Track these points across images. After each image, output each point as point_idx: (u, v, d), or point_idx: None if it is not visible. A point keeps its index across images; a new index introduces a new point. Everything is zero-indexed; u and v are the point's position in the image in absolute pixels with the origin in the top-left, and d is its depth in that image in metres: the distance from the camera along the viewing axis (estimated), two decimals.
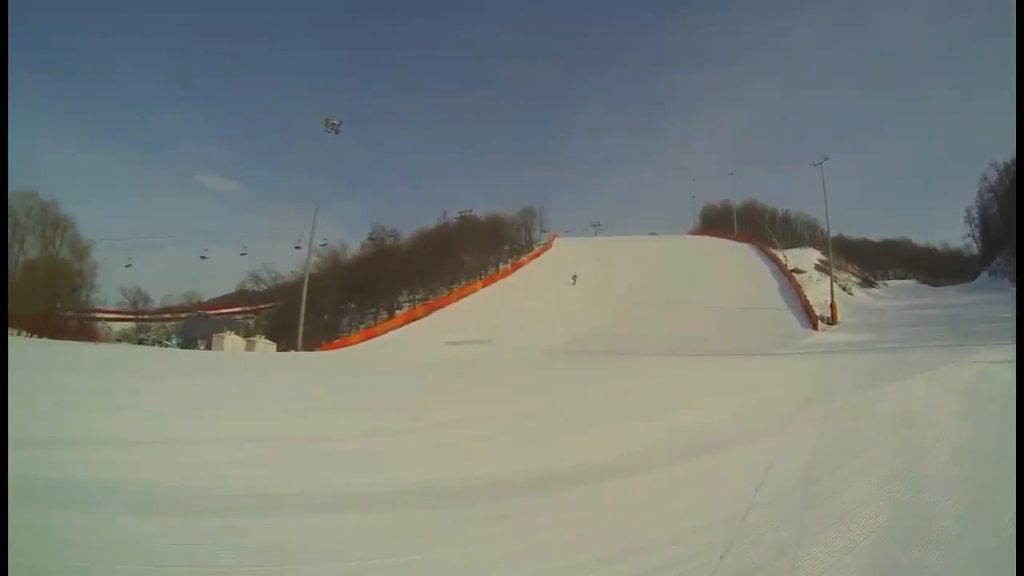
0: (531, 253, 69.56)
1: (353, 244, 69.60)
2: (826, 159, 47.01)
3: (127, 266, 53.99)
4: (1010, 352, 14.64)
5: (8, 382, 5.02)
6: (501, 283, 57.67)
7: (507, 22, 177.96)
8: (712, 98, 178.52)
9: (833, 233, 52.62)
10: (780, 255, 55.22)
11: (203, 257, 59.80)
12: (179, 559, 4.25)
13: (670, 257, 60.25)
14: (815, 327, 34.27)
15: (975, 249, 76.66)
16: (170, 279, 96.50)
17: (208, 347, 36.16)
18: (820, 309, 37.74)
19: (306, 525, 5.30)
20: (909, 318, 36.69)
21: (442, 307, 50.31)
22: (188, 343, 44.82)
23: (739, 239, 70.15)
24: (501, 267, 64.45)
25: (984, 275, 62.03)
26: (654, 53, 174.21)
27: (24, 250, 45.11)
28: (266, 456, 7.61)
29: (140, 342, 48.06)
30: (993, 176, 67.49)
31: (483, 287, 56.15)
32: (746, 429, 10.19)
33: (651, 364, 23.21)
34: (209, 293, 71.18)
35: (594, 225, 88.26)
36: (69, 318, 46.82)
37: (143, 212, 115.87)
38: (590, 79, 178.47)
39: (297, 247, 49.29)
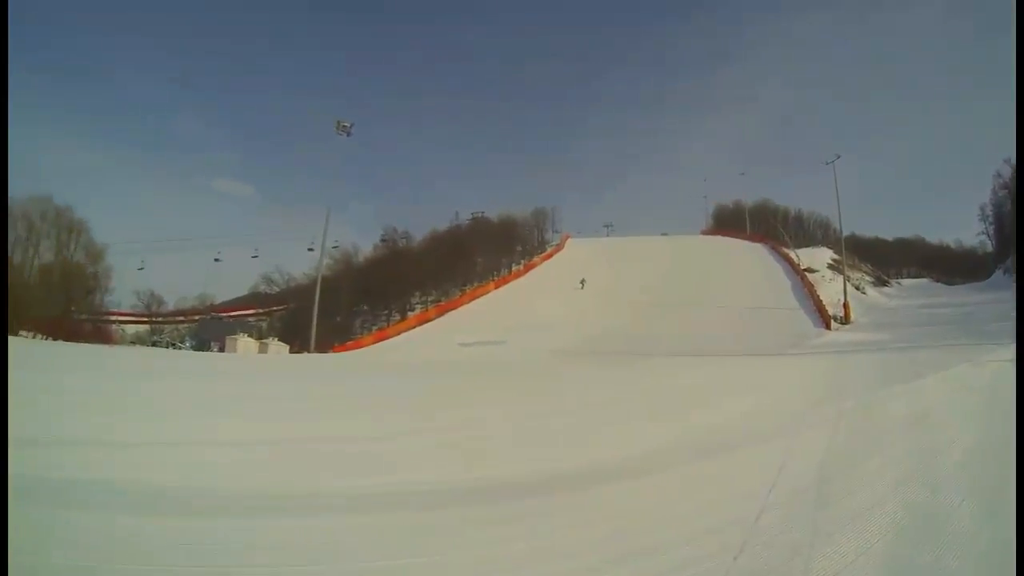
0: (543, 254, 69.48)
1: (365, 246, 69.76)
2: (838, 157, 46.75)
3: (140, 269, 54.59)
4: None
5: (8, 382, 5.10)
6: (513, 284, 57.66)
7: (518, 23, 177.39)
8: (723, 98, 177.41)
9: (846, 232, 52.28)
10: (792, 254, 54.88)
11: (217, 260, 60.28)
12: (184, 559, 4.31)
13: (682, 257, 60.02)
14: (828, 327, 34.01)
15: (989, 247, 75.89)
16: (183, 282, 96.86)
17: (221, 349, 36.31)
18: (833, 308, 37.45)
19: (313, 526, 5.36)
20: (923, 317, 36.42)
21: (455, 309, 50.33)
22: (201, 345, 45.00)
23: (751, 239, 69.72)
24: (513, 268, 64.40)
25: (999, 273, 61.35)
26: (665, 53, 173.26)
27: (39, 254, 45.47)
28: (273, 458, 7.68)
29: (154, 344, 48.32)
30: (1007, 173, 66.60)
31: (495, 288, 56.12)
32: (759, 429, 10.17)
33: (664, 364, 23.13)
34: (222, 295, 71.47)
35: (606, 226, 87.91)
36: (84, 321, 47.07)
37: (156, 215, 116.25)
38: (602, 80, 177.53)
39: (310, 249, 49.69)
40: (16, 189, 46.40)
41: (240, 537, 4.89)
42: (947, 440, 8.08)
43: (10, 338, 28.71)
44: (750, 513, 5.40)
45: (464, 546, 5.02)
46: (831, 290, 43.21)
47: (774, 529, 5.04)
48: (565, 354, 29.66)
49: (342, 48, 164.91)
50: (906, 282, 69.52)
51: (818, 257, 57.21)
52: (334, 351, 39.34)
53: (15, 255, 43.38)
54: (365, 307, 57.36)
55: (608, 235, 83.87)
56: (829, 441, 8.41)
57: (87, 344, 32.43)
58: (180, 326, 59.69)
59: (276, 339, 40.29)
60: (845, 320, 36.31)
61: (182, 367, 19.43)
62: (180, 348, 44.77)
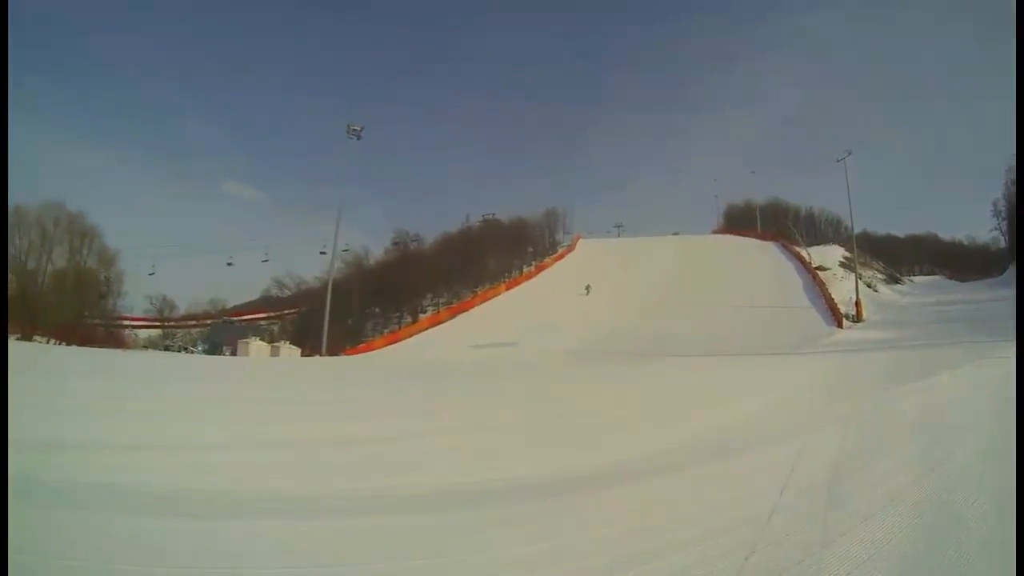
0: (555, 255, 69.38)
1: (376, 249, 69.87)
2: (849, 154, 46.44)
3: (151, 274, 55.04)
4: None
5: (8, 383, 5.20)
6: (525, 286, 57.59)
7: (529, 24, 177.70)
8: (732, 97, 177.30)
9: (857, 229, 52.13)
10: (804, 253, 54.71)
11: (229, 264, 60.64)
12: (197, 560, 4.37)
13: (694, 257, 59.84)
14: (840, 325, 33.89)
15: (1003, 242, 75.17)
16: (195, 286, 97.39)
17: (233, 353, 36.49)
18: (845, 307, 37.31)
19: (327, 527, 5.41)
20: (936, 315, 36.12)
21: (466, 310, 50.36)
22: (213, 349, 45.28)
23: (763, 237, 69.46)
24: (525, 270, 64.38)
25: (1013, 269, 60.89)
26: (675, 53, 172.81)
27: (52, 260, 45.90)
28: (287, 460, 7.75)
29: (166, 348, 48.72)
30: None
31: (507, 290, 56.10)
32: (771, 429, 10.19)
33: (676, 365, 23.14)
34: (234, 299, 71.98)
35: (617, 226, 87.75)
36: (97, 326, 47.48)
37: (167, 219, 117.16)
38: (611, 80, 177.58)
39: (323, 252, 49.98)
40: (26, 193, 47.09)
41: (261, 539, 4.97)
42: (960, 439, 8.04)
43: (25, 343, 29.16)
44: (762, 513, 5.40)
45: (476, 547, 5.06)
46: (843, 288, 43.00)
47: (786, 529, 5.05)
48: (577, 355, 29.69)
49: (352, 51, 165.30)
50: (919, 279, 69.16)
51: (830, 255, 56.95)
52: (345, 354, 39.46)
53: (28, 261, 43.82)
54: (376, 310, 57.44)
55: (619, 236, 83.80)
56: (841, 440, 8.39)
57: (101, 348, 32.83)
58: (192, 330, 60.12)
59: (288, 342, 40.50)
60: (857, 318, 36.14)
61: (195, 371, 19.55)
62: (192, 352, 45.02)
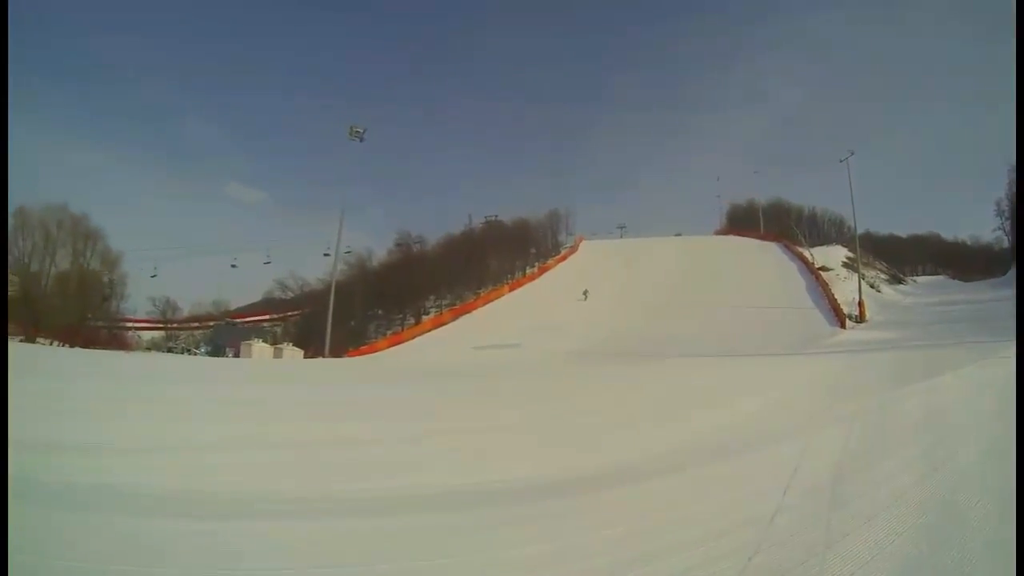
0: (557, 256, 69.27)
1: (379, 250, 69.91)
2: (851, 154, 46.26)
3: (152, 276, 55.04)
4: None
5: (8, 384, 5.20)
6: (528, 287, 57.58)
7: (529, 24, 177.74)
8: (734, 97, 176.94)
9: (860, 230, 51.99)
10: (807, 253, 54.64)
11: (233, 266, 60.67)
12: (197, 561, 4.37)
13: (696, 258, 59.72)
14: (843, 325, 33.83)
15: (1006, 242, 74.95)
16: (198, 287, 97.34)
17: (236, 355, 36.47)
18: (848, 307, 37.25)
19: (327, 528, 5.41)
20: (939, 315, 36.05)
21: (469, 312, 50.35)
22: (216, 351, 45.23)
23: (765, 238, 69.31)
24: (528, 271, 64.37)
25: (1016, 268, 60.78)
26: (675, 53, 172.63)
27: (55, 263, 46.02)
28: (287, 460, 7.76)
29: (169, 350, 48.70)
30: None
31: (510, 291, 56.07)
32: (774, 429, 10.17)
33: (678, 365, 23.14)
34: (237, 301, 71.99)
35: (620, 227, 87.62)
36: (100, 328, 47.58)
37: (169, 220, 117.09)
38: (613, 81, 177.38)
39: (326, 254, 49.90)
40: (27, 194, 47.22)
41: (264, 540, 4.97)
42: (963, 439, 8.01)
43: (28, 345, 29.22)
44: (765, 514, 5.39)
45: (477, 548, 5.06)
46: (846, 288, 42.96)
47: (789, 530, 5.03)
48: (579, 356, 29.71)
49: (353, 51, 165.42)
50: (922, 279, 68.99)
51: (832, 255, 56.89)
52: (349, 355, 39.48)
53: (32, 263, 43.94)
54: (379, 311, 57.58)
55: (622, 236, 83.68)
56: (844, 441, 8.36)
57: (104, 350, 32.90)
58: (195, 332, 60.15)
59: (291, 344, 40.48)
60: (860, 319, 36.09)
61: (197, 372, 19.57)
62: (195, 354, 45.05)
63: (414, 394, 16.36)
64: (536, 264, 66.80)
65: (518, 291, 56.12)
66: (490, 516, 6.10)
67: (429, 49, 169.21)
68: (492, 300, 53.46)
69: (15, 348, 19.97)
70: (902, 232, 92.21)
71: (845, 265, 53.94)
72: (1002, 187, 71.59)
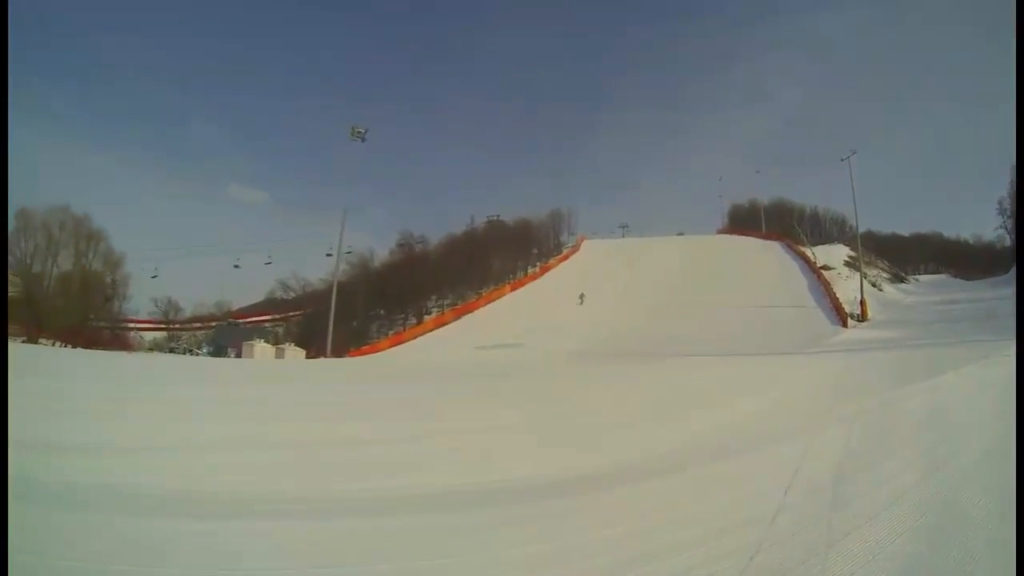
0: (559, 256, 69.48)
1: (381, 251, 69.91)
2: (853, 153, 46.21)
3: (153, 277, 54.99)
4: None
5: (9, 384, 5.20)
6: (530, 287, 57.74)
7: (530, 25, 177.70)
8: (735, 97, 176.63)
9: (862, 228, 51.97)
10: (809, 252, 54.70)
11: (236, 266, 60.64)
12: (198, 561, 4.37)
13: (698, 257, 59.79)
14: (845, 324, 33.88)
15: (1008, 241, 74.82)
16: (200, 288, 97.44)
17: (238, 355, 36.51)
18: (850, 306, 37.28)
19: (328, 528, 5.41)
20: (941, 314, 36.00)
21: (471, 312, 50.46)
22: (218, 351, 45.24)
23: (767, 237, 69.42)
24: (529, 271, 64.47)
25: (1017, 267, 60.64)
26: (676, 53, 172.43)
27: (58, 264, 46.07)
28: (288, 460, 7.76)
29: (171, 351, 48.72)
30: None
31: (512, 291, 56.18)
32: (775, 429, 10.15)
33: (680, 365, 23.11)
34: (239, 302, 71.93)
35: (622, 227, 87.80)
36: (102, 328, 47.63)
37: (170, 220, 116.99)
38: (615, 81, 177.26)
39: (328, 254, 49.89)
40: (27, 195, 47.30)
41: (265, 540, 4.96)
42: (965, 439, 7.99)
43: (30, 346, 29.26)
44: (766, 513, 5.38)
45: (477, 548, 5.04)
46: (848, 287, 42.99)
47: (790, 529, 5.01)
48: (581, 355, 29.74)
49: (353, 51, 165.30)
50: (924, 278, 68.89)
51: (834, 254, 56.93)
52: (350, 356, 39.54)
53: (34, 264, 43.99)
54: (382, 311, 57.64)
55: (624, 236, 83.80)
56: (846, 441, 8.34)
57: (106, 351, 32.95)
58: (197, 332, 60.16)
59: (293, 344, 40.55)
60: (862, 318, 36.12)
61: (198, 372, 19.58)
62: (197, 354, 45.07)
63: (415, 394, 16.34)
64: (538, 264, 66.92)
65: (520, 291, 56.28)
66: (490, 516, 6.09)
67: (429, 49, 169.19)
68: (494, 300, 53.60)
69: (17, 349, 20.01)
70: (905, 231, 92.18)
71: (847, 264, 53.96)
72: (1004, 186, 71.63)
